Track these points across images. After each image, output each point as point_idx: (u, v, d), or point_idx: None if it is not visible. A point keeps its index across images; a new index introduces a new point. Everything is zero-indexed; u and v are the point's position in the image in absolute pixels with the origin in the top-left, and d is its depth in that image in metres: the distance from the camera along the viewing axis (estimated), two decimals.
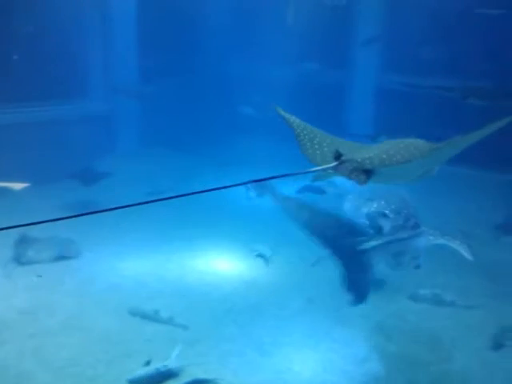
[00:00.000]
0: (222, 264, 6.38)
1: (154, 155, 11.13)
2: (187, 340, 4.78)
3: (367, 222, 5.25)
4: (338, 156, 3.14)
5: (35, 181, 8.26)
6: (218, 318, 5.17)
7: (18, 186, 8.17)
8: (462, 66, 10.77)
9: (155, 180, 9.40)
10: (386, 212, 5.03)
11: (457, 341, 4.94)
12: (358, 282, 6.01)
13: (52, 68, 9.64)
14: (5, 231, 2.35)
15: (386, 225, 5.05)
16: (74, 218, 2.56)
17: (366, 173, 3.11)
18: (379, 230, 5.09)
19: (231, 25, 12.13)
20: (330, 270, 6.29)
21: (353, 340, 4.88)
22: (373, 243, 5.09)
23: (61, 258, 6.30)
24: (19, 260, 6.13)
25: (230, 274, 6.14)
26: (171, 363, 4.30)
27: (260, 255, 6.59)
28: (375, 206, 5.18)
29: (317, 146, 3.47)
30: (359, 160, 3.13)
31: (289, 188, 8.80)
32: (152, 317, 5.07)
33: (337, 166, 3.13)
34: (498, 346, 4.81)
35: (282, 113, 3.73)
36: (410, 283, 5.90)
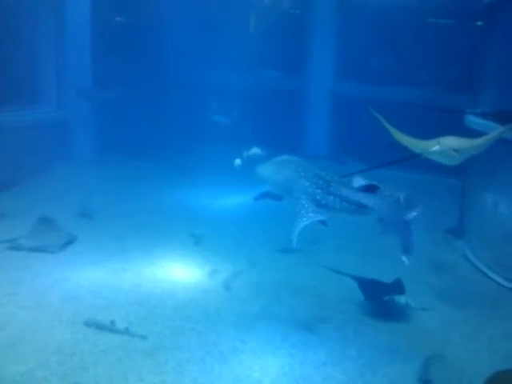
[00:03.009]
0: (180, 272, 6.32)
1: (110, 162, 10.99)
2: (144, 350, 4.70)
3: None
4: (437, 142, 5.19)
5: None
6: (175, 327, 5.10)
7: None
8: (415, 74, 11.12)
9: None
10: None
11: (413, 344, 5.04)
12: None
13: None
14: None
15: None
16: None
17: (456, 151, 5.11)
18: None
19: (194, 33, 12.15)
20: (287, 276, 6.34)
21: (311, 345, 4.90)
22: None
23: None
24: None
25: (188, 282, 6.08)
26: None
27: (192, 235, 7.25)
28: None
29: (406, 138, 5.46)
30: (450, 144, 5.15)
31: (246, 195, 8.80)
32: (108, 327, 4.96)
33: (439, 148, 5.16)
34: (424, 382, 4.44)
35: (376, 114, 5.45)
36: None
